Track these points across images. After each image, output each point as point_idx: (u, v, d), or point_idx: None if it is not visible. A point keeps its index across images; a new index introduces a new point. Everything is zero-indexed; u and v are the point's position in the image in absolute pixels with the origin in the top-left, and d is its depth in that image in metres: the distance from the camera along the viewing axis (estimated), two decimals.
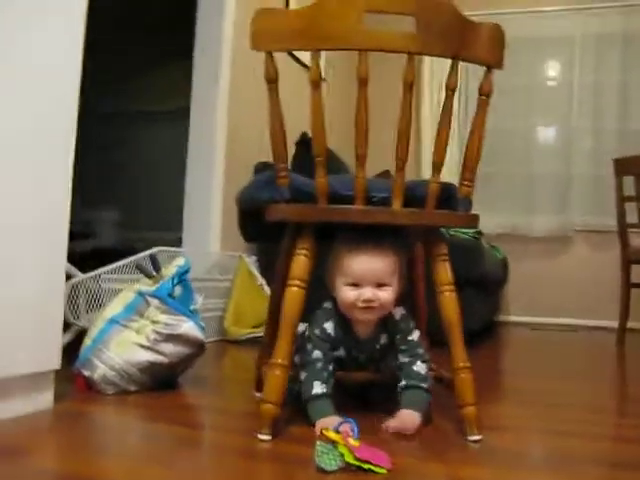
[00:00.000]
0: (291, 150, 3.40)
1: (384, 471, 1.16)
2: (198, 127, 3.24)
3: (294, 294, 1.40)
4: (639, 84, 4.41)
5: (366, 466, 1.16)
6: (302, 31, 1.34)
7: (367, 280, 1.42)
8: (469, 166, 1.47)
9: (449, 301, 1.45)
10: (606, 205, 4.18)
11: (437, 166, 1.43)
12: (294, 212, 1.42)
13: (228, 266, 3.12)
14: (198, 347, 1.79)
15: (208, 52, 3.25)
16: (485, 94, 1.45)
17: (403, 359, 1.50)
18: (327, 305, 1.52)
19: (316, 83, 1.37)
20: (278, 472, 1.21)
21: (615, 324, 3.58)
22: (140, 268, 1.90)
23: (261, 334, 2.90)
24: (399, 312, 1.53)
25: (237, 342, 2.91)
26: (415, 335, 1.52)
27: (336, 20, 1.31)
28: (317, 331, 1.49)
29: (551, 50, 4.66)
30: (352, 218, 1.40)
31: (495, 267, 3.80)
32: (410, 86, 1.37)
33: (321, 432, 1.27)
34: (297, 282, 1.41)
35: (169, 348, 1.73)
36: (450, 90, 1.41)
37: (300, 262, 1.42)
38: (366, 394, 1.73)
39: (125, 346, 1.71)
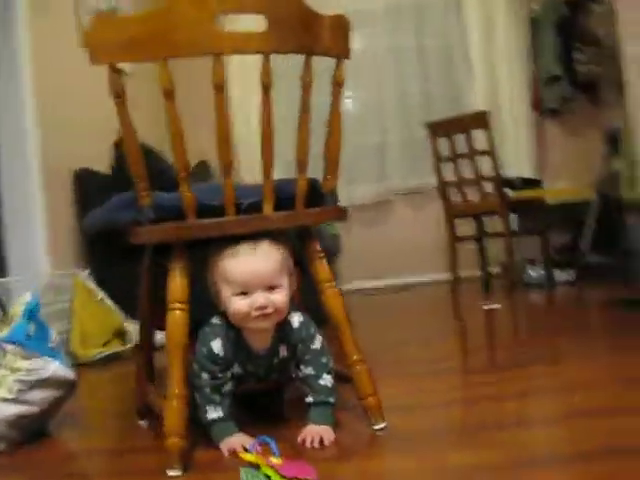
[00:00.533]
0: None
1: None
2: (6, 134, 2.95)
3: (177, 318, 1.33)
4: (434, 49, 4.69)
5: None
6: (149, 39, 1.24)
7: (256, 285, 1.31)
8: (332, 159, 1.47)
9: (333, 297, 1.45)
10: (421, 167, 4.45)
11: (302, 164, 1.42)
12: (163, 233, 1.33)
13: (62, 286, 2.89)
14: (69, 387, 1.64)
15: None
16: (339, 84, 1.45)
17: (308, 371, 1.40)
18: (214, 321, 1.40)
19: (169, 93, 1.28)
20: None
21: (445, 276, 3.84)
22: None
23: (112, 351, 2.81)
24: (297, 319, 1.42)
25: (87, 364, 2.73)
26: (318, 342, 1.41)
27: (188, 25, 1.23)
28: (204, 350, 1.37)
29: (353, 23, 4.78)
30: (227, 230, 1.34)
31: (329, 242, 3.89)
32: (267, 87, 1.33)
33: (238, 456, 1.23)
34: (178, 305, 1.34)
35: (37, 395, 1.57)
36: (306, 86, 1.39)
37: (177, 283, 1.34)
38: (268, 403, 1.68)
39: None
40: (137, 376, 1.67)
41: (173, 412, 1.29)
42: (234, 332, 1.39)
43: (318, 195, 1.47)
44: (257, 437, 1.29)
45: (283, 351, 1.43)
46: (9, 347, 1.58)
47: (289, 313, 1.40)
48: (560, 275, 3.78)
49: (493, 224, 4.08)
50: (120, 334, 2.95)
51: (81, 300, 2.89)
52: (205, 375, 1.36)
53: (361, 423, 1.43)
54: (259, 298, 1.31)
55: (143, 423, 1.66)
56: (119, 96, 1.29)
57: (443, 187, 3.72)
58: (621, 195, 2.53)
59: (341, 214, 1.48)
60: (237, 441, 1.34)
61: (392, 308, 3.67)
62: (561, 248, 4.08)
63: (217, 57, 1.28)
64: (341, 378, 1.48)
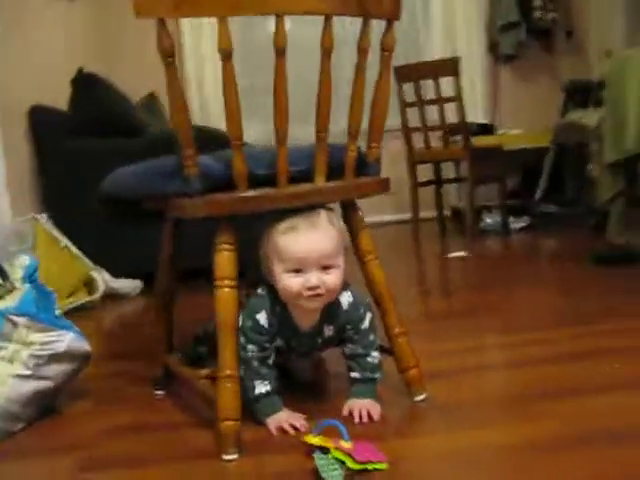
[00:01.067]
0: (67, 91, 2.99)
1: (386, 466, 1.14)
2: None
3: (227, 296, 1.26)
4: None
5: (370, 466, 1.13)
6: None
7: (311, 263, 1.25)
8: (377, 127, 1.40)
9: (376, 270, 1.42)
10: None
11: (354, 132, 1.34)
12: (214, 206, 1.24)
13: (24, 233, 2.71)
14: (84, 359, 1.55)
15: None
16: (389, 49, 1.37)
17: (356, 350, 1.38)
18: (261, 292, 1.35)
19: (228, 55, 1.17)
20: None
21: (404, 216, 3.89)
22: None
23: (80, 302, 2.68)
24: (346, 299, 1.37)
25: None
26: (367, 321, 1.38)
27: None
28: (249, 323, 1.32)
29: None
30: (280, 204, 1.27)
31: None
32: (328, 51, 1.24)
33: (308, 442, 1.19)
34: (227, 282, 1.26)
35: (54, 370, 1.47)
36: (363, 52, 1.30)
37: (225, 259, 1.27)
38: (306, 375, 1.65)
39: (1, 382, 1.41)
40: (156, 344, 1.58)
41: (227, 394, 1.23)
42: (280, 307, 1.34)
43: (363, 164, 1.41)
44: (322, 420, 1.25)
45: (329, 331, 1.39)
46: (20, 320, 1.46)
47: (340, 292, 1.35)
48: (514, 222, 3.87)
49: (447, 169, 4.12)
50: (87, 283, 2.81)
51: (44, 248, 2.72)
52: (252, 347, 1.32)
53: (399, 395, 1.43)
54: (312, 278, 1.25)
55: (160, 393, 1.59)
56: (170, 55, 1.17)
57: (407, 133, 3.69)
58: (603, 153, 2.58)
59: (385, 186, 1.43)
60: (285, 419, 1.31)
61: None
62: (511, 193, 4.17)
63: (280, 18, 1.17)
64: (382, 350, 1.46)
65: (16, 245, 2.63)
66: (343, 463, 1.12)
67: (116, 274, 2.88)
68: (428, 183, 3.89)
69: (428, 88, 3.65)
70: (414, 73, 3.51)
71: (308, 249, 1.24)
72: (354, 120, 1.34)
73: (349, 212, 1.41)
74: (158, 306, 1.57)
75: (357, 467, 1.12)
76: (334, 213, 1.31)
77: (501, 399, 1.43)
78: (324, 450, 1.16)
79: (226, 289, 1.26)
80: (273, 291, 1.33)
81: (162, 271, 1.54)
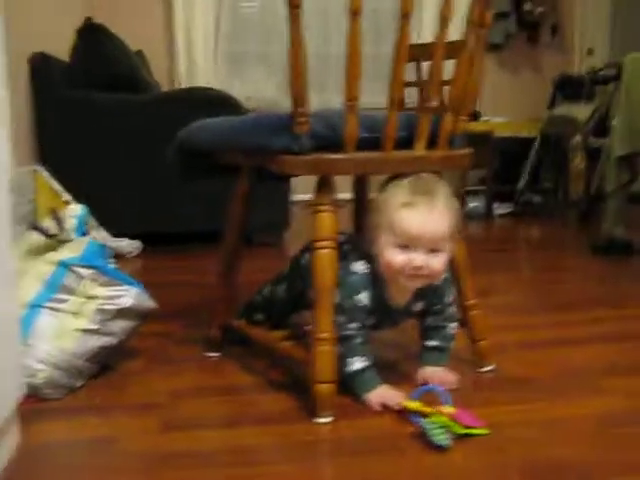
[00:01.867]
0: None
1: (487, 431, 1.16)
2: None
3: (326, 257, 1.24)
4: None
5: (474, 431, 1.15)
6: None
7: (421, 243, 1.22)
8: (467, 101, 1.40)
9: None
10: (371, 87, 4.36)
11: (453, 105, 1.34)
12: (323, 166, 1.22)
13: (24, 184, 2.59)
14: (145, 316, 1.50)
15: None
16: (485, 26, 1.37)
17: (437, 322, 1.40)
18: (361, 269, 1.31)
19: (356, 10, 1.15)
20: (389, 455, 1.11)
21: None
22: (37, 227, 1.48)
23: None
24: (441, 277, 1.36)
25: None
26: (451, 295, 1.40)
27: None
28: (350, 302, 1.29)
29: None
30: (387, 168, 1.27)
31: None
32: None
33: (407, 407, 1.20)
34: (327, 243, 1.24)
35: (119, 325, 1.42)
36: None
37: (325, 219, 1.25)
38: None
39: (67, 336, 1.35)
40: (214, 305, 1.55)
41: (323, 357, 1.22)
42: (379, 286, 1.32)
43: (452, 137, 1.41)
44: (420, 386, 1.26)
45: (418, 306, 1.39)
46: (87, 272, 1.40)
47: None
48: (497, 208, 3.96)
49: None
50: None
51: (44, 201, 2.61)
52: (354, 325, 1.29)
53: (464, 364, 1.47)
54: (418, 259, 1.23)
55: (215, 355, 1.56)
56: (297, 6, 1.13)
57: None
58: (611, 148, 2.66)
59: (471, 159, 1.43)
60: (387, 394, 1.28)
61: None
62: (493, 179, 4.25)
63: None
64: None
65: (17, 197, 2.51)
66: (447, 428, 1.14)
67: (115, 233, 2.79)
68: None
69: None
70: (413, 53, 3.50)
71: (422, 229, 1.22)
72: (454, 92, 1.33)
73: None
74: (223, 266, 1.53)
75: (462, 431, 1.14)
76: (451, 195, 1.29)
77: (563, 374, 1.47)
78: (423, 415, 1.17)
79: (325, 250, 1.24)
80: (372, 266, 1.31)
81: (231, 230, 1.51)
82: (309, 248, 1.44)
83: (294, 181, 3.96)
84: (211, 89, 2.98)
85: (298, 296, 1.52)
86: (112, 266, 1.48)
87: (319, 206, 1.25)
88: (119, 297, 1.42)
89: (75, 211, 1.55)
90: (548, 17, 4.52)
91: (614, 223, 2.77)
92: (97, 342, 1.38)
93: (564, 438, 1.16)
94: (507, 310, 1.98)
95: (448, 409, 1.17)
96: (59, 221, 1.49)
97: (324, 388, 1.22)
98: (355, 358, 1.28)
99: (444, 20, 1.29)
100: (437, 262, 1.25)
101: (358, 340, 1.29)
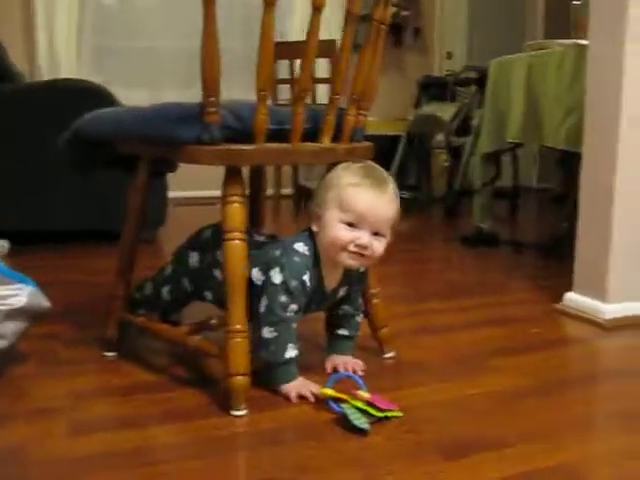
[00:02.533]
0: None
1: (400, 413, 1.20)
2: None
3: (238, 248, 1.24)
4: None
5: (390, 414, 1.19)
6: None
7: (368, 223, 1.25)
8: (369, 96, 1.44)
9: None
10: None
11: (356, 99, 1.37)
12: (234, 157, 1.21)
13: None
14: (40, 316, 1.40)
15: None
16: (384, 22, 1.41)
17: (349, 310, 1.43)
18: (302, 250, 1.30)
19: (270, 1, 1.15)
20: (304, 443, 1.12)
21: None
22: None
23: None
24: None
25: None
26: (364, 282, 1.45)
27: None
28: (294, 283, 1.26)
29: None
30: (298, 160, 1.29)
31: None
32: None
33: (324, 395, 1.22)
34: (237, 234, 1.24)
35: (10, 327, 1.33)
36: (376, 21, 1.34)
37: (235, 211, 1.24)
38: None
39: None
40: (111, 303, 1.48)
41: (237, 349, 1.21)
42: (316, 268, 1.31)
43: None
44: (334, 374, 1.28)
45: (342, 292, 1.40)
46: None
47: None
48: None
49: None
50: None
51: None
52: (294, 307, 1.27)
53: (368, 352, 1.51)
54: (364, 237, 1.25)
55: (111, 355, 1.50)
56: None
57: None
58: (476, 144, 2.84)
59: (372, 152, 1.47)
60: (304, 385, 1.28)
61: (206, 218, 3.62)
62: None
63: None
64: None
65: None
66: (364, 412, 1.17)
67: None
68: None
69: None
70: (293, 51, 3.54)
71: (373, 208, 1.25)
72: (358, 87, 1.37)
73: None
74: (121, 262, 1.47)
75: (380, 415, 1.18)
76: (396, 189, 1.33)
77: (456, 357, 1.56)
78: (341, 401, 1.20)
79: (236, 241, 1.23)
80: (312, 249, 1.31)
81: (129, 224, 1.45)
82: (195, 246, 1.45)
83: (169, 178, 3.87)
84: (85, 80, 2.84)
85: (184, 297, 1.50)
86: (1, 263, 1.38)
87: (229, 197, 1.24)
88: (11, 297, 1.32)
89: None
90: (411, 20, 4.72)
91: (481, 217, 2.95)
92: None
93: (467, 416, 1.23)
94: (394, 299, 2.05)
95: (364, 394, 1.20)
96: None
97: (239, 380, 1.21)
98: (289, 345, 1.27)
99: (351, 18, 1.31)
100: (379, 246, 1.27)
101: (294, 325, 1.28)
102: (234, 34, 4.44)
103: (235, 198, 1.24)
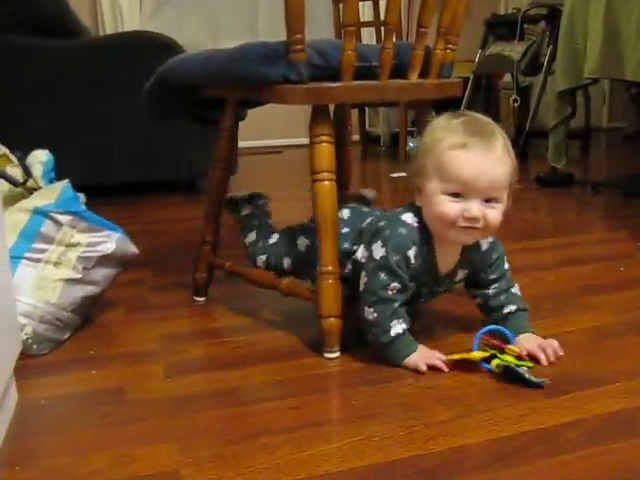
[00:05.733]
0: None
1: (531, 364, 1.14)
2: None
3: (327, 189, 1.21)
4: None
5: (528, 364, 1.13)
6: None
7: (477, 191, 1.06)
8: (455, 29, 1.38)
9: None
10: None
11: (444, 33, 1.31)
12: (322, 95, 1.18)
13: None
14: (126, 263, 1.43)
15: None
16: None
17: (500, 286, 1.23)
18: (410, 221, 1.15)
19: None
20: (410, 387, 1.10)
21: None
22: (3, 176, 1.37)
23: None
24: (486, 239, 1.21)
25: None
26: (506, 263, 1.25)
27: None
28: (396, 257, 1.13)
29: None
30: (386, 97, 1.25)
31: None
32: None
33: (473, 360, 1.12)
34: (327, 175, 1.22)
35: (102, 273, 1.36)
36: None
37: (323, 151, 1.22)
38: None
39: (49, 287, 1.27)
40: (200, 247, 1.49)
41: (330, 290, 1.20)
42: (428, 244, 1.16)
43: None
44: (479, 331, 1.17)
45: (462, 274, 1.23)
46: (66, 218, 1.32)
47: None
48: None
49: None
50: None
51: None
52: (396, 285, 1.14)
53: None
54: (474, 208, 1.07)
55: (201, 300, 1.52)
56: None
57: None
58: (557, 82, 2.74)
59: (461, 88, 1.41)
60: (428, 355, 1.15)
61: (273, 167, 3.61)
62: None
63: None
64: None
65: None
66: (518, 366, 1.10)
67: None
68: (353, 105, 3.91)
69: None
70: None
71: (479, 172, 1.06)
72: (446, 20, 1.31)
73: (424, 112, 1.40)
74: (209, 207, 1.47)
75: (530, 365, 1.13)
76: (509, 143, 1.13)
77: (546, 295, 1.52)
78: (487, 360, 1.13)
79: (326, 182, 1.21)
80: (420, 222, 1.16)
81: (216, 173, 1.44)
82: (306, 231, 1.34)
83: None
84: (154, 33, 2.84)
85: (279, 273, 1.39)
86: (90, 211, 1.40)
87: (317, 137, 1.21)
88: (101, 243, 1.35)
89: (40, 157, 1.45)
90: None
91: (556, 156, 2.85)
92: (80, 292, 1.31)
93: (566, 353, 1.18)
94: None
95: (513, 348, 1.14)
96: (25, 168, 1.39)
97: (331, 322, 1.20)
98: (393, 322, 1.14)
99: None
100: (494, 214, 1.09)
101: (396, 304, 1.15)
102: None
103: (323, 138, 1.21)
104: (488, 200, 1.09)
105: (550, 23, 3.56)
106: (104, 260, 1.35)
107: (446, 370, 1.13)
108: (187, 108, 1.48)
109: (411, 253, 1.14)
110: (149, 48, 2.59)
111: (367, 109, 4.11)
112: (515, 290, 1.26)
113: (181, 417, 1.02)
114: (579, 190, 2.80)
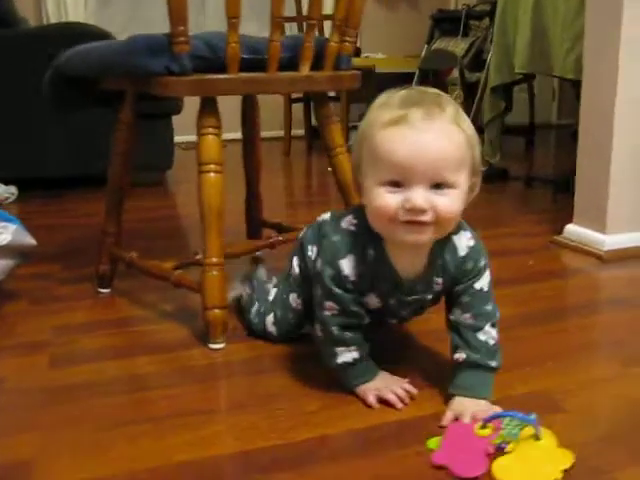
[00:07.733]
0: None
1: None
2: None
3: (213, 181, 1.22)
4: None
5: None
6: None
7: (419, 174, 0.84)
8: (354, 22, 1.39)
9: (343, 163, 1.43)
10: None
11: (339, 25, 1.32)
12: (206, 87, 1.19)
13: None
14: (25, 255, 1.42)
15: None
16: None
17: (464, 318, 0.98)
18: (345, 226, 0.97)
19: None
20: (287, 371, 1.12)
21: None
22: None
23: None
24: (465, 241, 0.98)
25: None
26: (485, 280, 0.98)
27: None
28: (329, 271, 0.96)
29: None
30: (274, 89, 1.25)
31: None
32: None
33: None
34: (213, 167, 1.22)
35: None
36: None
37: (210, 143, 1.23)
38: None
39: None
40: (102, 239, 1.49)
41: (214, 282, 1.21)
42: (375, 247, 0.96)
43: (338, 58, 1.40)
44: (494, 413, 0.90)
45: (437, 285, 1.00)
46: None
47: (457, 231, 0.98)
48: None
49: None
50: None
51: None
52: (331, 304, 0.97)
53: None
54: (415, 196, 0.85)
55: (105, 292, 1.52)
56: None
57: None
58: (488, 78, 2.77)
59: (358, 80, 1.42)
60: (384, 386, 1.00)
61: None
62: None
63: None
64: None
65: None
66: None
67: None
68: (298, 100, 3.93)
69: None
70: None
71: (416, 149, 0.84)
72: (339, 12, 1.32)
73: (321, 105, 1.41)
74: (110, 199, 1.46)
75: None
76: (463, 113, 0.91)
77: None
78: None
79: (212, 174, 1.22)
80: (364, 222, 0.95)
81: (116, 165, 1.44)
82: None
83: (178, 122, 3.86)
84: (88, 24, 2.81)
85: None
86: None
87: (205, 128, 1.22)
88: None
89: None
90: None
91: (491, 152, 2.89)
92: None
93: None
94: None
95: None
96: None
97: (215, 314, 1.21)
98: (338, 349, 1.00)
99: None
100: (445, 202, 0.86)
101: (335, 330, 0.99)
102: None
103: (210, 130, 1.22)
104: (437, 186, 0.86)
105: (493, 19, 3.59)
106: (0, 251, 1.34)
107: (399, 406, 0.97)
108: (90, 99, 1.47)
109: (344, 263, 0.95)
110: (84, 40, 2.56)
111: (312, 104, 4.11)
112: (485, 335, 0.98)
113: (54, 407, 1.03)
114: (514, 186, 2.84)
